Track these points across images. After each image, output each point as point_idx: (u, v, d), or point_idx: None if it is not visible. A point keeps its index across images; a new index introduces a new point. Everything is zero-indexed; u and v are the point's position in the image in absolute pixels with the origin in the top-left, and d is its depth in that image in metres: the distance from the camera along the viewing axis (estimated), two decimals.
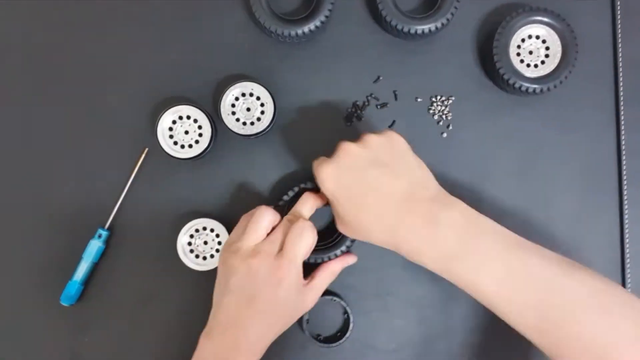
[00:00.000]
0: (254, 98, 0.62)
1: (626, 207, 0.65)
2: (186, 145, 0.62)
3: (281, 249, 0.55)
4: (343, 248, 0.60)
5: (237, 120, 0.62)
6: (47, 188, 0.65)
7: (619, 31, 0.65)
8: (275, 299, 0.54)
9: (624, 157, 0.65)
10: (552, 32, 0.63)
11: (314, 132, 0.65)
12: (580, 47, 0.62)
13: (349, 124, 0.65)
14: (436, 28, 0.62)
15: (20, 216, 0.65)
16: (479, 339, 0.63)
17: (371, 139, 0.54)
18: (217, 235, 0.63)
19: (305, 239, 0.55)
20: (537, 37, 0.63)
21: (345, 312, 0.64)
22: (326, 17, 0.62)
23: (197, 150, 0.62)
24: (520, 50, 0.63)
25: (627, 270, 0.64)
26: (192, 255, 0.63)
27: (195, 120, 0.62)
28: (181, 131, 0.62)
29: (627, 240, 0.65)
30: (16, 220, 0.65)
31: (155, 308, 0.64)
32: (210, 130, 0.62)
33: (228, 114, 0.62)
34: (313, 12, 0.62)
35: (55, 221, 0.64)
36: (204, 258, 0.63)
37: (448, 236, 0.51)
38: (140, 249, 0.64)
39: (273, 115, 0.62)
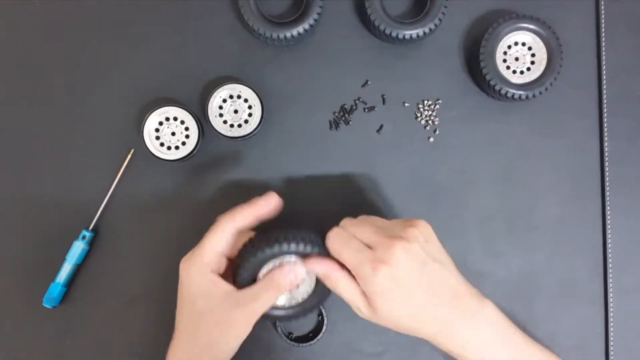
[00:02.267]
0: (241, 100, 0.62)
1: (609, 213, 0.66)
2: (173, 146, 0.62)
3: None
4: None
5: (225, 122, 0.62)
6: (31, 189, 0.64)
7: (603, 39, 0.66)
8: (182, 297, 0.54)
9: (607, 164, 0.66)
10: (537, 39, 0.64)
11: (301, 134, 0.65)
12: (565, 55, 0.63)
13: (335, 128, 0.65)
14: (424, 33, 0.62)
15: (3, 217, 0.64)
16: None
17: (413, 233, 0.52)
18: None
19: (214, 236, 0.54)
20: (523, 44, 0.64)
21: (320, 313, 0.63)
22: (315, 20, 0.62)
23: (183, 152, 0.62)
24: (506, 57, 0.64)
25: (609, 276, 0.65)
26: None
27: (182, 122, 0.62)
28: (168, 133, 0.62)
29: (609, 247, 0.65)
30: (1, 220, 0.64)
31: (139, 310, 0.63)
32: (197, 132, 0.62)
33: (215, 116, 0.62)
34: (302, 16, 0.62)
35: (39, 222, 0.64)
36: None
37: (489, 337, 0.53)
38: (125, 251, 0.64)
39: (261, 118, 0.62)
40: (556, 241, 0.66)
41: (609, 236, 0.65)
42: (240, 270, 0.54)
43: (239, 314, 0.53)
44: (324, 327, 0.63)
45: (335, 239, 0.54)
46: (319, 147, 0.65)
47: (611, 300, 0.65)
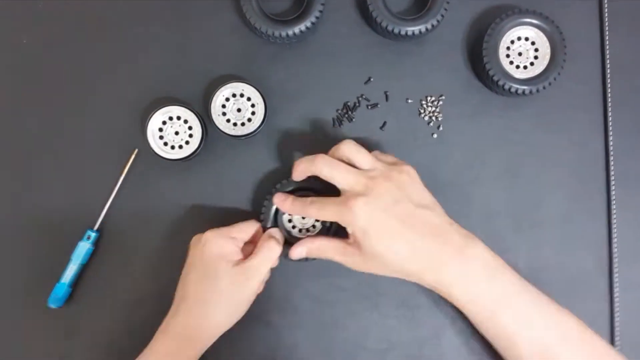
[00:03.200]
0: (244, 99, 0.62)
1: (614, 208, 0.65)
2: (176, 146, 0.62)
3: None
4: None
5: (228, 121, 0.62)
6: (35, 189, 0.64)
7: (607, 33, 0.66)
8: (199, 261, 0.57)
9: (611, 159, 0.66)
10: (541, 34, 0.63)
11: (305, 132, 0.65)
12: (568, 49, 0.63)
13: (339, 125, 0.65)
14: (426, 29, 0.62)
15: (8, 217, 0.64)
16: (469, 340, 0.64)
17: (395, 177, 0.55)
18: None
19: (249, 225, 0.60)
20: (527, 39, 0.64)
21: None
22: (317, 18, 0.62)
23: (187, 151, 0.62)
24: (509, 52, 0.64)
25: (615, 271, 0.65)
26: None
27: (186, 121, 0.62)
28: (171, 132, 0.62)
29: (615, 242, 0.65)
30: (4, 221, 0.64)
31: (144, 310, 0.63)
32: (200, 131, 0.62)
33: (218, 115, 0.61)
34: (304, 13, 0.62)
35: (44, 222, 0.64)
36: None
37: (477, 275, 0.54)
38: (130, 251, 0.64)
39: (264, 116, 0.62)
40: (562, 236, 0.65)
41: (615, 231, 0.65)
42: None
43: (249, 284, 0.57)
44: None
45: (323, 162, 0.56)
46: (322, 145, 0.64)
47: (617, 295, 0.64)
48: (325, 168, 0.56)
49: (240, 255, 0.58)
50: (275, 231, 0.60)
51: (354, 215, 0.53)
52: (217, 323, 0.57)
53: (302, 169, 0.57)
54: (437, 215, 0.56)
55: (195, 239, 0.59)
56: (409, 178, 0.56)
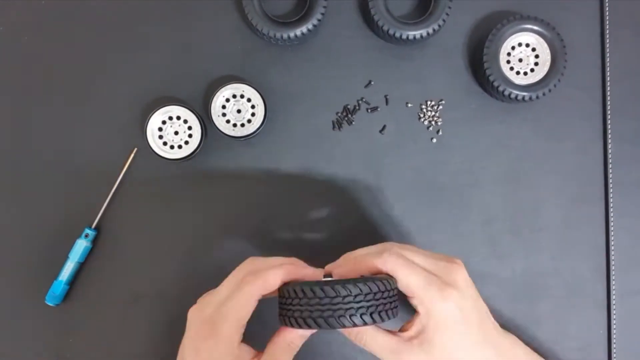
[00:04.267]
0: (244, 100, 0.62)
1: (612, 215, 0.65)
2: (176, 145, 0.62)
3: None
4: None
5: (228, 121, 0.62)
6: (34, 187, 0.64)
7: (607, 40, 0.66)
8: None
9: (610, 166, 0.66)
10: (541, 40, 0.64)
11: (304, 134, 0.65)
12: (569, 56, 0.63)
13: (338, 128, 0.65)
14: (427, 34, 0.62)
15: (5, 215, 0.64)
16: None
17: (463, 265, 0.49)
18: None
19: (238, 299, 0.47)
20: (527, 45, 0.64)
21: None
22: (319, 20, 0.62)
23: (186, 151, 0.62)
24: (510, 58, 0.64)
25: (612, 279, 0.65)
26: None
27: (186, 121, 0.62)
28: (171, 132, 0.62)
29: (612, 249, 0.65)
30: (2, 219, 0.64)
31: (141, 309, 0.63)
32: (200, 131, 0.62)
33: (218, 116, 0.62)
34: (305, 15, 0.62)
35: (43, 221, 0.64)
36: None
37: None
38: (128, 250, 0.64)
39: (263, 118, 0.62)
40: (560, 243, 0.65)
41: (612, 238, 0.65)
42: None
43: None
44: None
45: (399, 262, 0.48)
46: (322, 148, 0.65)
47: (614, 302, 0.64)
48: (400, 264, 0.48)
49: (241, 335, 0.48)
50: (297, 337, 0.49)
51: (448, 306, 0.46)
52: None
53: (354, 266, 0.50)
54: (489, 314, 0.51)
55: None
56: (464, 271, 0.50)
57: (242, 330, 0.48)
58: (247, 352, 0.49)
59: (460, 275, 0.48)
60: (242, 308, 0.47)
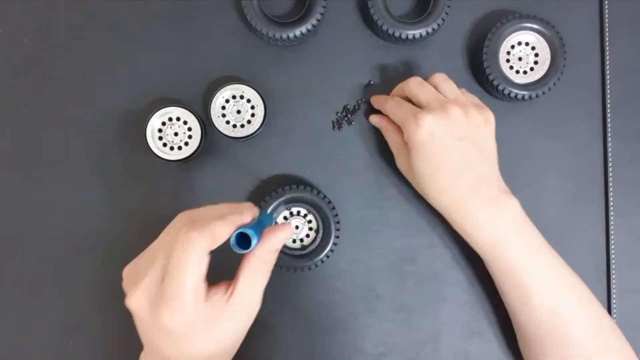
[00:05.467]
0: (244, 100, 0.62)
1: (612, 214, 0.65)
2: (175, 147, 0.62)
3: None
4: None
5: (227, 122, 0.62)
6: (34, 189, 0.64)
7: (607, 39, 0.66)
8: (181, 350, 0.44)
9: (610, 165, 0.66)
10: (541, 39, 0.63)
11: (304, 135, 0.65)
12: (568, 55, 0.63)
13: (338, 128, 0.65)
14: (427, 33, 0.62)
15: (5, 218, 0.64)
16: (467, 344, 0.64)
17: (473, 114, 0.56)
18: None
19: (188, 263, 0.42)
20: (527, 44, 0.64)
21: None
22: (318, 20, 0.62)
23: (186, 152, 0.61)
24: (509, 57, 0.64)
25: (612, 277, 0.65)
26: None
27: (185, 122, 0.62)
28: (170, 133, 0.62)
29: (612, 248, 0.65)
30: (2, 222, 0.64)
31: None
32: (199, 132, 0.62)
33: (218, 116, 0.61)
34: (305, 16, 0.62)
35: (42, 222, 0.64)
36: None
37: (508, 225, 0.56)
38: (128, 251, 0.64)
39: (263, 118, 0.62)
40: (559, 242, 0.65)
41: (612, 237, 0.65)
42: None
43: (243, 322, 0.47)
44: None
45: (389, 103, 0.59)
46: (322, 148, 0.65)
47: (614, 301, 0.65)
48: (415, 87, 0.58)
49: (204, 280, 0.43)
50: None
51: (418, 127, 0.54)
52: None
53: (396, 91, 0.61)
54: (490, 167, 0.57)
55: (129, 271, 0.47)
56: (484, 122, 0.57)
57: (203, 288, 0.43)
58: (217, 297, 0.44)
59: (452, 109, 0.55)
60: (196, 268, 0.42)
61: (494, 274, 0.58)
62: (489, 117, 0.58)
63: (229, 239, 0.44)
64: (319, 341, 0.63)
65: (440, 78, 0.59)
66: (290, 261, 0.61)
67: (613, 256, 0.65)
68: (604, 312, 0.57)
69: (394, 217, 0.64)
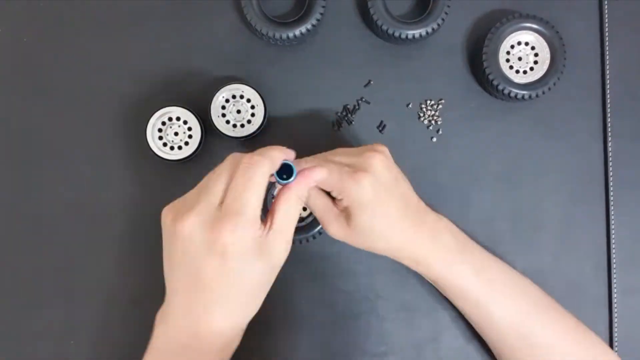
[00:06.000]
0: (244, 100, 0.62)
1: (612, 213, 0.65)
2: (175, 147, 0.62)
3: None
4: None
5: (227, 122, 0.62)
6: (34, 189, 0.64)
7: (607, 39, 0.66)
8: (227, 273, 0.44)
9: (610, 164, 0.66)
10: (541, 39, 0.64)
11: (304, 134, 0.65)
12: (568, 55, 0.63)
13: (338, 128, 0.65)
14: (427, 33, 0.62)
15: (6, 217, 0.64)
16: (468, 344, 0.64)
17: (385, 152, 0.54)
18: None
19: (254, 181, 0.44)
20: (526, 44, 0.64)
21: None
22: (318, 20, 0.62)
23: (186, 152, 0.61)
24: (509, 57, 0.64)
25: (614, 276, 0.65)
26: None
27: (185, 122, 0.62)
28: (171, 133, 0.62)
29: (613, 247, 0.65)
30: (2, 223, 0.64)
31: (142, 311, 0.63)
32: (200, 132, 0.62)
33: (218, 116, 0.61)
34: (305, 15, 0.62)
35: (42, 222, 0.64)
36: None
37: (450, 243, 0.56)
38: (128, 251, 0.64)
39: (263, 118, 0.62)
40: (560, 241, 0.65)
41: (613, 236, 0.65)
42: None
43: (278, 257, 0.47)
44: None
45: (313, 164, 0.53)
46: (322, 147, 0.64)
47: (615, 300, 0.64)
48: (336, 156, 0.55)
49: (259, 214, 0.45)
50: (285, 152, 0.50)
51: (361, 188, 0.51)
52: (223, 328, 0.47)
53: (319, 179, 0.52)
54: (413, 193, 0.56)
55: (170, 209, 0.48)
56: (389, 157, 0.55)
57: (260, 213, 0.46)
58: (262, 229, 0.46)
59: (376, 160, 0.52)
60: (260, 188, 0.45)
61: (451, 298, 0.58)
62: (385, 149, 0.55)
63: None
64: (320, 341, 0.63)
65: (330, 152, 0.56)
66: (299, 233, 0.61)
67: (614, 256, 0.65)
68: (563, 310, 0.57)
69: None
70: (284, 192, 0.48)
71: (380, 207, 0.53)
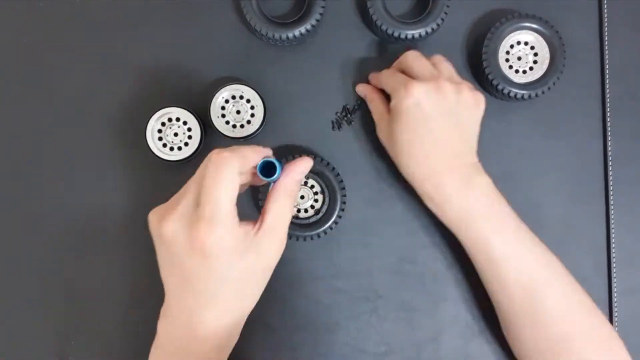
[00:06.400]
0: (244, 101, 0.62)
1: (612, 212, 0.65)
2: (175, 147, 0.62)
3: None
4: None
5: (227, 123, 0.62)
6: (33, 190, 0.64)
7: (606, 39, 0.66)
8: (211, 273, 0.44)
9: (610, 164, 0.66)
10: (540, 38, 0.64)
11: (304, 135, 0.65)
12: (567, 54, 0.63)
13: (338, 128, 0.65)
14: (426, 33, 0.62)
15: (6, 218, 0.64)
16: (468, 344, 0.64)
17: (465, 93, 0.57)
18: None
19: (222, 179, 0.44)
20: (526, 44, 0.64)
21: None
22: (317, 20, 0.62)
23: (186, 152, 0.61)
24: (509, 56, 0.64)
25: (613, 276, 0.65)
26: None
27: (185, 123, 0.62)
28: (170, 133, 0.62)
29: (613, 246, 0.65)
30: (2, 223, 0.64)
31: (143, 311, 0.63)
32: (199, 132, 0.62)
33: (218, 117, 0.61)
34: (304, 16, 0.62)
35: (41, 223, 0.64)
36: None
37: (478, 197, 0.56)
38: (129, 252, 0.64)
39: (263, 119, 0.62)
40: (560, 241, 0.65)
41: (613, 236, 0.65)
42: None
43: (271, 254, 0.47)
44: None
45: (384, 73, 0.60)
46: (321, 148, 0.65)
47: (615, 299, 0.64)
48: (412, 59, 0.59)
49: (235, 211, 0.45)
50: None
51: (407, 94, 0.55)
52: (217, 326, 0.47)
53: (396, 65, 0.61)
54: (467, 148, 0.57)
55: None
56: (473, 103, 0.57)
57: (236, 211, 0.45)
58: (247, 228, 0.46)
59: (443, 83, 0.56)
60: (230, 183, 0.44)
61: (467, 249, 0.58)
62: (480, 100, 0.58)
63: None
64: (320, 341, 0.63)
65: (440, 59, 0.60)
66: (302, 230, 0.60)
67: (614, 255, 0.65)
68: (580, 289, 0.57)
69: (394, 216, 0.64)
70: (272, 189, 0.48)
71: (412, 125, 0.56)
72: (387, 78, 0.60)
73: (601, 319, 0.56)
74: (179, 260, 0.45)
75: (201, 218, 0.43)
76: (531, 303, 0.55)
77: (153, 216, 0.47)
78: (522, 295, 0.55)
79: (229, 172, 0.44)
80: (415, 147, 0.57)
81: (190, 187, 0.46)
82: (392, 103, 0.57)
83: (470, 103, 0.57)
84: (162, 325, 0.49)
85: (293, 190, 0.48)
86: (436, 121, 0.56)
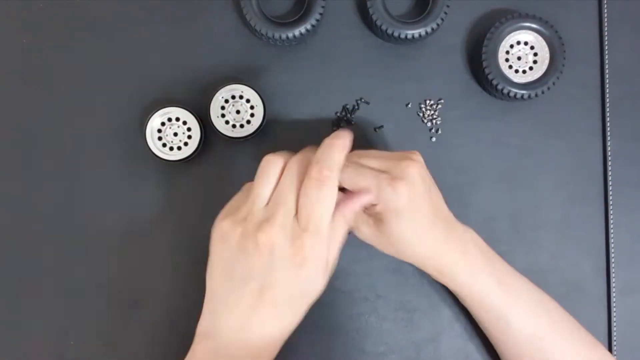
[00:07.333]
0: (243, 100, 0.62)
1: (611, 213, 0.66)
2: (175, 147, 0.62)
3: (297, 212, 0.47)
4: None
5: (227, 122, 0.62)
6: (33, 189, 0.64)
7: (606, 39, 0.66)
8: (298, 285, 0.47)
9: (609, 164, 0.66)
10: (540, 38, 0.64)
11: (303, 134, 0.65)
12: (567, 54, 0.63)
13: (337, 128, 0.65)
14: (426, 33, 0.62)
15: (5, 218, 0.64)
16: (467, 343, 0.64)
17: (420, 161, 0.55)
18: None
19: (328, 200, 0.47)
20: (526, 44, 0.64)
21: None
22: (317, 20, 0.62)
23: (185, 152, 0.61)
24: (508, 56, 0.64)
25: (612, 276, 0.65)
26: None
27: (185, 122, 0.62)
28: (170, 133, 0.62)
29: (612, 246, 0.65)
30: (2, 223, 0.64)
31: (142, 311, 0.63)
32: (199, 132, 0.62)
33: (217, 117, 0.61)
34: (304, 16, 0.62)
35: (41, 222, 0.64)
36: None
37: (476, 254, 0.56)
38: (128, 251, 0.64)
39: (263, 118, 0.62)
40: (559, 241, 0.66)
41: (612, 235, 0.65)
42: None
43: (327, 277, 0.51)
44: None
45: (348, 171, 0.52)
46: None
47: (614, 299, 0.65)
48: (361, 159, 0.54)
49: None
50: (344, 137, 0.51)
51: (398, 196, 0.51)
52: (277, 340, 0.50)
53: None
54: (444, 203, 0.57)
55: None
56: (424, 166, 0.56)
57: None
58: None
59: (414, 169, 0.53)
60: (333, 204, 0.49)
61: (473, 309, 0.59)
62: (419, 156, 0.55)
63: None
64: (320, 341, 0.63)
65: (363, 154, 0.55)
66: None
67: (613, 255, 0.65)
68: (579, 326, 0.58)
69: None
70: (334, 214, 0.49)
71: (413, 216, 0.53)
72: (353, 177, 0.53)
73: (604, 352, 0.58)
74: (265, 270, 0.46)
75: (307, 234, 0.47)
76: (538, 349, 0.56)
77: (232, 225, 0.48)
78: (529, 344, 0.56)
79: (333, 196, 0.48)
80: (415, 232, 0.54)
81: (288, 196, 0.48)
82: (381, 206, 0.52)
83: (424, 167, 0.55)
84: (209, 344, 0.49)
85: (351, 219, 0.52)
86: (424, 198, 0.54)
